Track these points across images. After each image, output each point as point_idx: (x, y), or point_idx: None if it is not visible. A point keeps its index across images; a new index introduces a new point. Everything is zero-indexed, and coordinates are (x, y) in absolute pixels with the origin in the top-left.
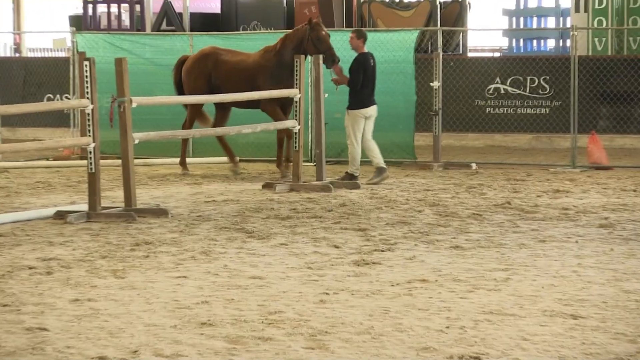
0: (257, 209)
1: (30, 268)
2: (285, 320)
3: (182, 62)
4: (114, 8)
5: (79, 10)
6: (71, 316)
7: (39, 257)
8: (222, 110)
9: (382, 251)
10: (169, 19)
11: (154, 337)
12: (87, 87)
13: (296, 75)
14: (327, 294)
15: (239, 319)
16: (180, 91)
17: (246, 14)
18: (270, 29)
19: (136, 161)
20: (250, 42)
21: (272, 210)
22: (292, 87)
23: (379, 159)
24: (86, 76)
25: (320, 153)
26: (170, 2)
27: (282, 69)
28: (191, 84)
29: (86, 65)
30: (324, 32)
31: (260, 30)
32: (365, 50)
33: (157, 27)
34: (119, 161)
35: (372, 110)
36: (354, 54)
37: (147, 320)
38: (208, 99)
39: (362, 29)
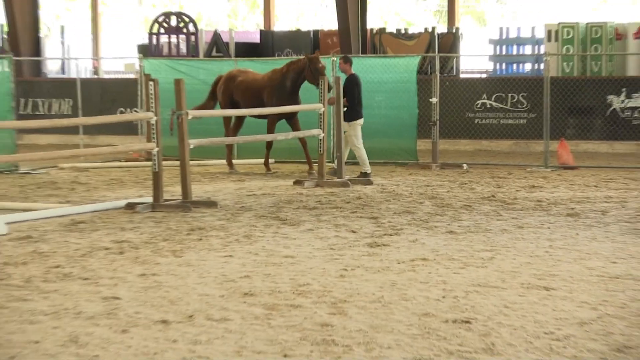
0: (289, 201)
1: (106, 249)
2: (312, 291)
3: (217, 80)
4: (173, 38)
5: (145, 40)
6: (139, 287)
7: (113, 240)
8: (239, 119)
9: (391, 235)
10: (218, 47)
11: (206, 305)
12: (151, 102)
13: (321, 93)
14: (345, 270)
15: (274, 290)
16: (212, 101)
17: (280, 43)
18: (300, 55)
19: (191, 162)
20: None
21: (301, 202)
22: (291, 103)
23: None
24: (151, 94)
25: (340, 156)
26: (219, 34)
27: (284, 88)
28: (220, 98)
29: (151, 85)
30: (320, 65)
31: (291, 56)
32: (352, 71)
33: (208, 54)
34: (178, 162)
35: (363, 120)
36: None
37: (200, 291)
38: (250, 112)
39: (349, 55)
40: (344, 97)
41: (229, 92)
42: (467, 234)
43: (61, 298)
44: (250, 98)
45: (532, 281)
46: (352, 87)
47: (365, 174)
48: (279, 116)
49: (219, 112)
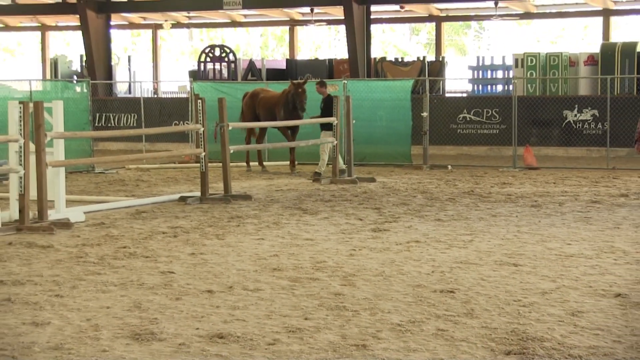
0: (309, 195)
1: (163, 233)
2: (327, 267)
3: (244, 96)
4: (217, 65)
5: (194, 67)
6: (189, 264)
7: (169, 226)
8: (263, 129)
9: (390, 222)
10: (252, 72)
11: (243, 278)
12: (199, 116)
13: (335, 108)
14: (354, 250)
15: (297, 266)
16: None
17: (302, 69)
18: (317, 78)
19: (231, 164)
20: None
21: (319, 195)
22: (293, 116)
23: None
24: (199, 109)
25: (350, 159)
26: (253, 62)
27: (288, 105)
28: (245, 111)
29: (199, 103)
30: (300, 90)
31: (311, 79)
32: (328, 92)
33: (245, 77)
34: (220, 164)
35: None
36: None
37: (238, 267)
38: (276, 124)
39: (324, 80)
40: (322, 114)
41: (253, 106)
42: (451, 221)
43: (127, 272)
44: (267, 111)
45: (504, 259)
46: (330, 105)
47: (318, 174)
48: (290, 127)
49: (254, 124)
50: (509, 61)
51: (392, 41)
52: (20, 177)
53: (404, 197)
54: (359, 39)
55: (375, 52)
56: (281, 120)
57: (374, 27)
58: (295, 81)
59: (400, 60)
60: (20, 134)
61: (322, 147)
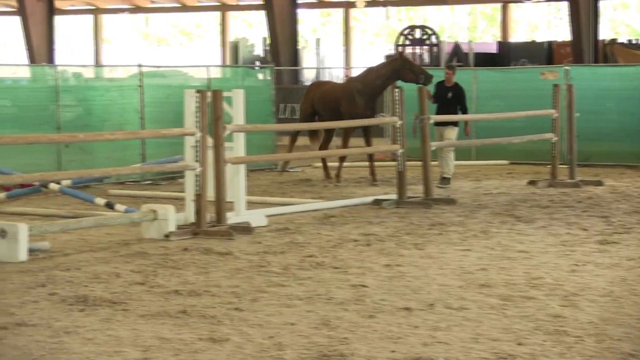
0: (523, 200)
1: (354, 241)
2: (544, 284)
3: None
4: (417, 49)
5: (391, 51)
6: (384, 277)
7: (361, 233)
8: (329, 132)
9: (621, 234)
10: (458, 57)
11: (445, 294)
12: (397, 108)
13: (554, 101)
14: (577, 265)
15: (509, 282)
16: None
17: (517, 53)
18: (535, 65)
19: (432, 163)
20: (519, 75)
21: (535, 201)
22: (368, 111)
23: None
24: (397, 100)
25: (572, 158)
26: (459, 45)
27: (360, 96)
28: (301, 107)
29: (396, 92)
30: (415, 61)
31: (527, 66)
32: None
33: (449, 63)
34: (420, 162)
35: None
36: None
37: (440, 281)
38: (477, 117)
39: (455, 65)
40: (447, 104)
41: (308, 102)
42: None
43: (314, 284)
44: (327, 107)
45: None
46: (461, 97)
47: (445, 179)
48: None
49: (458, 117)
50: None
51: (625, 20)
52: (197, 175)
53: (638, 204)
54: (584, 17)
55: (604, 33)
56: (344, 116)
57: (602, 4)
58: (388, 56)
59: (635, 42)
60: (197, 127)
61: (448, 147)
